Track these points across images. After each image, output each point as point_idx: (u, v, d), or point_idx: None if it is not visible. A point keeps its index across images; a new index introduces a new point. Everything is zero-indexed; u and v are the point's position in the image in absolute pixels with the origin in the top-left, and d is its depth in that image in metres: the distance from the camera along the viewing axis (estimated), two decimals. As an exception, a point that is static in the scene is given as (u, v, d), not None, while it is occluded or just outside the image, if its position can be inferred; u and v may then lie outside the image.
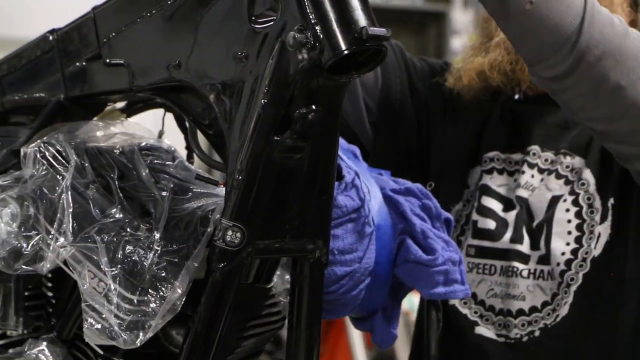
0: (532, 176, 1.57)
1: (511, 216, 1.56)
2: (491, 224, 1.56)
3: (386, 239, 1.26)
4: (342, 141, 1.26)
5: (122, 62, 1.24)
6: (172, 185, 1.19)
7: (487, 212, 1.57)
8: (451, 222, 1.33)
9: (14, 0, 4.06)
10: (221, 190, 1.21)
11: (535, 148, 1.57)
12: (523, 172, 1.57)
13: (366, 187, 1.26)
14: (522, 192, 1.56)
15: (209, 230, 1.14)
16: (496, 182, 1.58)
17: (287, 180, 1.09)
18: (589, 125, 1.34)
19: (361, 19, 1.04)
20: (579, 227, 1.53)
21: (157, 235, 1.13)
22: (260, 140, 1.07)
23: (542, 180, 1.56)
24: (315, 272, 1.15)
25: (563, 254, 1.52)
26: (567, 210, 1.53)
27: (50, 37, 1.33)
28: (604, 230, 1.51)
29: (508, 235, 1.55)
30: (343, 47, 1.02)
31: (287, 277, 1.24)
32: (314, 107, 1.06)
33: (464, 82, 1.56)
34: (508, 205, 1.57)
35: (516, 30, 1.24)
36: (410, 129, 1.64)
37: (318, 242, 1.14)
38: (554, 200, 1.54)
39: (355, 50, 1.03)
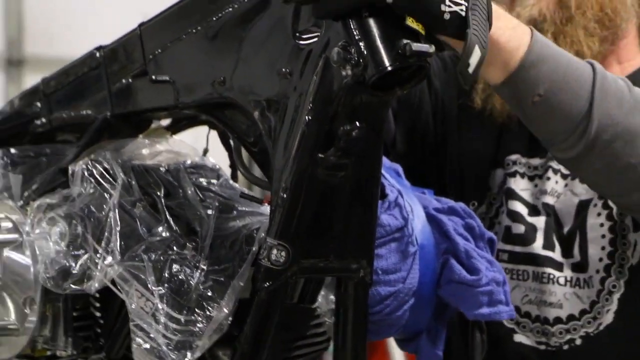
0: (557, 182, 1.56)
1: (540, 222, 1.55)
2: (521, 229, 1.56)
3: (430, 258, 1.25)
4: (385, 160, 1.25)
5: (167, 78, 1.25)
6: (217, 204, 1.19)
7: (516, 217, 1.57)
8: (494, 241, 1.32)
9: (56, 19, 4.11)
10: (266, 209, 1.21)
11: None
12: (548, 179, 1.56)
13: (409, 206, 1.25)
14: (548, 199, 1.56)
15: (254, 249, 1.14)
16: (520, 185, 1.58)
17: (331, 198, 1.09)
18: (606, 196, 1.40)
19: (405, 35, 1.04)
20: (612, 229, 1.52)
21: (203, 254, 1.14)
22: (305, 157, 1.07)
23: (566, 185, 1.55)
24: (359, 292, 1.15)
25: (600, 259, 1.52)
26: (599, 214, 1.53)
27: (97, 54, 1.34)
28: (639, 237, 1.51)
29: (540, 241, 1.55)
30: (387, 63, 1.02)
31: (332, 297, 1.24)
32: (357, 123, 1.06)
33: (495, 106, 1.56)
34: (533, 210, 1.57)
35: (528, 118, 1.26)
36: (427, 125, 1.64)
37: (362, 261, 1.13)
38: (583, 206, 1.54)
39: (399, 67, 1.03)
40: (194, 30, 1.22)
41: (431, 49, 1.04)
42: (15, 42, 4.06)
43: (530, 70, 1.20)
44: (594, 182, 1.34)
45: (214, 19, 1.19)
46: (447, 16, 1.02)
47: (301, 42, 1.09)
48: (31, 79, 1.45)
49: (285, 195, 1.07)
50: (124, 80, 1.30)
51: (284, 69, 1.11)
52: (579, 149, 1.24)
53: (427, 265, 1.25)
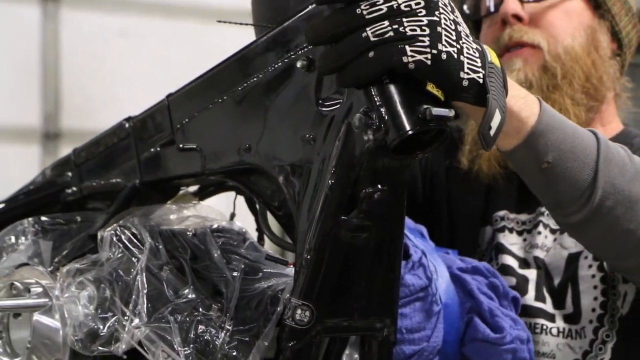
0: (546, 237, 1.57)
1: (531, 274, 1.57)
2: (512, 281, 1.57)
3: (454, 317, 1.26)
4: (408, 221, 1.27)
5: (194, 146, 1.28)
6: (243, 266, 1.21)
7: (507, 270, 1.57)
8: (518, 300, 1.33)
9: (92, 95, 4.18)
10: (291, 270, 1.22)
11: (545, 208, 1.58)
12: (539, 233, 1.58)
13: (433, 265, 1.26)
14: (538, 253, 1.57)
15: (278, 309, 1.15)
16: (509, 240, 1.60)
17: (355, 259, 1.10)
18: (603, 259, 1.43)
19: (425, 100, 1.06)
20: (603, 280, 1.53)
21: (229, 315, 1.15)
22: (328, 220, 1.08)
23: (555, 239, 1.56)
24: (383, 351, 1.15)
25: (593, 310, 1.52)
26: (590, 266, 1.54)
27: (127, 125, 1.37)
28: (629, 288, 1.51)
29: (532, 293, 1.56)
30: (407, 127, 1.03)
31: (356, 356, 1.25)
32: (379, 186, 1.08)
33: (482, 167, 1.57)
34: (524, 263, 1.58)
35: (535, 184, 1.30)
36: (416, 186, 1.66)
37: (386, 320, 1.14)
38: (572, 258, 1.55)
39: (420, 131, 1.05)
40: (220, 100, 1.25)
41: (451, 113, 1.06)
42: (52, 116, 4.13)
43: (540, 139, 1.23)
44: (594, 246, 1.36)
45: (240, 88, 1.22)
46: (465, 83, 1.04)
47: (324, 108, 1.12)
48: (67, 152, 1.48)
49: (309, 257, 1.09)
50: (152, 149, 1.33)
51: (307, 135, 1.13)
52: (582, 215, 1.27)
53: (451, 324, 1.25)
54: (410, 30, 1.01)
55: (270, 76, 1.19)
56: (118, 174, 1.37)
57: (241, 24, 1.42)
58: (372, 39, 1.01)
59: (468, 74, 1.04)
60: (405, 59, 1.01)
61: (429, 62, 1.01)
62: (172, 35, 4.34)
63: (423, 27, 1.01)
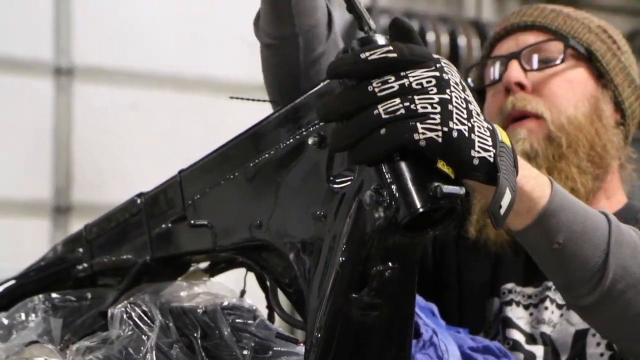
0: (552, 312, 1.56)
1: (539, 350, 1.56)
2: (520, 357, 1.56)
3: (465, 396, 1.25)
4: (419, 298, 1.27)
5: (206, 223, 1.28)
6: (253, 344, 1.20)
7: (515, 346, 1.56)
8: (528, 379, 1.33)
9: (103, 169, 4.20)
10: (301, 349, 1.22)
11: (552, 283, 1.57)
12: (546, 308, 1.57)
13: (444, 345, 1.26)
14: (545, 329, 1.56)
15: (289, 387, 1.15)
16: (516, 314, 1.59)
17: (365, 337, 1.10)
18: (612, 342, 1.42)
19: (436, 178, 1.06)
20: (612, 358, 1.51)
21: (238, 393, 1.14)
22: (339, 297, 1.08)
23: (562, 315, 1.55)
24: None
25: None
26: (598, 344, 1.52)
27: (138, 201, 1.37)
28: None
29: None
30: (418, 205, 1.03)
31: None
32: (390, 264, 1.08)
33: (489, 236, 1.57)
34: (531, 339, 1.57)
35: (545, 264, 1.29)
36: (425, 257, 1.65)
37: None
38: (579, 335, 1.54)
39: (430, 209, 1.05)
40: (231, 176, 1.25)
41: (462, 190, 1.06)
42: (63, 189, 4.14)
43: (551, 219, 1.22)
44: (605, 329, 1.35)
45: (252, 164, 1.22)
46: (476, 161, 1.04)
47: (335, 185, 1.12)
48: (78, 226, 1.48)
49: (319, 335, 1.08)
50: (163, 225, 1.33)
51: (318, 212, 1.13)
52: (593, 297, 1.26)
53: (462, 402, 1.25)
54: (422, 107, 1.01)
55: (282, 153, 1.19)
56: (129, 250, 1.38)
57: (253, 100, 1.44)
58: (383, 116, 1.02)
59: (479, 152, 1.04)
60: (416, 136, 1.01)
61: (440, 140, 1.02)
62: (183, 109, 4.37)
63: (434, 105, 1.02)
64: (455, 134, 1.02)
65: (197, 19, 4.41)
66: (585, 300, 1.26)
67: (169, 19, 4.36)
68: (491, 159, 1.05)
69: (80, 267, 1.43)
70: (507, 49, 1.67)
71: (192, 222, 1.29)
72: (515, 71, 1.62)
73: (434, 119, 1.01)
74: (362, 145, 1.04)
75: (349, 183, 1.10)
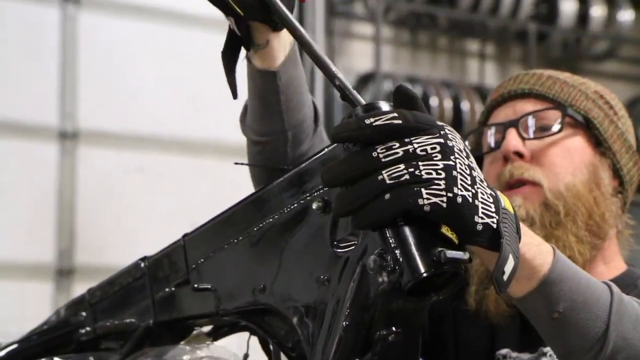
0: None
1: None
2: None
3: None
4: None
5: (209, 287, 1.28)
6: (255, 408, 1.20)
7: None
8: None
9: (106, 231, 4.20)
10: (304, 413, 1.21)
11: (548, 349, 1.56)
12: None
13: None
14: None
15: None
16: None
17: (370, 402, 1.09)
18: None
19: (439, 243, 1.06)
20: None
21: None
22: (342, 362, 1.08)
23: None
24: None
25: None
26: None
27: (142, 264, 1.38)
28: None
29: None
30: (422, 270, 1.04)
31: None
32: (394, 328, 1.08)
33: (489, 307, 1.56)
34: None
35: (545, 333, 1.27)
36: (423, 326, 1.64)
37: None
38: None
39: (434, 274, 1.05)
40: (235, 240, 1.25)
41: (465, 256, 1.06)
42: (66, 252, 4.14)
43: (553, 288, 1.22)
44: None
45: (256, 229, 1.23)
46: (479, 227, 1.05)
47: (339, 250, 1.12)
48: (80, 288, 1.48)
49: (323, 401, 1.08)
50: (167, 289, 1.33)
51: (322, 276, 1.13)
52: None
53: None
54: (426, 173, 1.02)
55: (286, 217, 1.20)
56: (132, 314, 1.38)
57: (257, 165, 1.45)
58: (388, 181, 1.02)
59: (482, 218, 1.05)
60: (421, 202, 1.02)
61: (444, 205, 1.02)
62: (188, 172, 4.38)
63: (439, 171, 1.02)
64: (459, 199, 1.03)
65: (200, 82, 4.44)
66: None
67: (173, 82, 4.40)
68: (494, 225, 1.05)
69: (83, 331, 1.43)
70: (505, 117, 1.67)
71: (195, 286, 1.29)
72: (513, 140, 1.62)
73: (438, 184, 1.02)
74: (366, 211, 1.04)
75: (352, 247, 1.11)
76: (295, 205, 1.18)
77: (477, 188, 1.04)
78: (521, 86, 1.69)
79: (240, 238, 1.25)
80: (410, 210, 1.03)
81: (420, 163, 1.02)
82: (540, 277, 1.21)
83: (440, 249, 1.05)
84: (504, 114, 1.68)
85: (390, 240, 1.06)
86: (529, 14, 5.66)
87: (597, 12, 5.86)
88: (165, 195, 4.32)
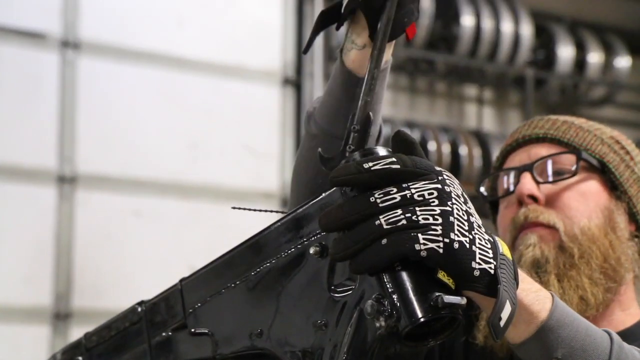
0: None
1: None
2: None
3: None
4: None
5: (206, 331, 1.28)
6: None
7: None
8: None
9: (104, 275, 4.20)
10: None
11: None
12: None
13: None
14: None
15: None
16: None
17: None
18: None
19: (436, 288, 1.06)
20: None
21: None
22: (340, 408, 1.08)
23: None
24: None
25: None
26: None
27: (139, 309, 1.37)
28: None
29: None
30: (419, 315, 1.04)
31: None
32: None
33: (496, 345, 1.56)
34: None
35: None
36: (432, 356, 1.63)
37: None
38: None
39: (431, 318, 1.05)
40: (233, 285, 1.25)
41: (463, 301, 1.06)
42: (63, 296, 4.14)
43: (550, 334, 1.21)
44: None
45: (253, 273, 1.23)
46: (476, 273, 1.05)
47: (336, 295, 1.12)
48: (77, 332, 1.48)
49: None
50: (164, 334, 1.33)
51: (319, 321, 1.13)
52: None
53: None
54: (423, 219, 1.02)
55: (283, 262, 1.20)
56: (129, 359, 1.37)
57: (255, 210, 1.45)
58: (385, 226, 1.03)
59: (480, 264, 1.05)
60: (417, 247, 1.02)
61: (441, 251, 1.02)
62: (186, 216, 4.39)
63: (436, 217, 1.03)
64: (456, 245, 1.03)
65: (199, 127, 4.46)
66: None
67: (172, 127, 4.42)
68: (492, 271, 1.05)
69: (79, 376, 1.43)
70: (520, 161, 1.67)
71: (192, 330, 1.29)
72: (528, 184, 1.62)
73: (435, 229, 1.02)
74: (363, 255, 1.04)
75: (350, 292, 1.11)
76: (293, 249, 1.18)
77: (475, 234, 1.04)
78: (536, 131, 1.69)
79: (238, 282, 1.25)
80: (407, 255, 1.03)
81: (417, 208, 1.02)
82: (539, 323, 1.21)
83: (437, 294, 1.05)
84: (518, 158, 1.69)
85: (388, 285, 1.06)
86: (527, 60, 5.69)
87: (594, 58, 5.89)
88: (163, 239, 4.32)
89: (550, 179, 1.64)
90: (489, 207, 1.74)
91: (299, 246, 1.17)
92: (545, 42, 5.84)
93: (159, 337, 1.33)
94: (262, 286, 1.22)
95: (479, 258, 1.04)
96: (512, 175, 1.68)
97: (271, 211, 1.32)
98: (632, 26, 6.41)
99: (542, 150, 1.67)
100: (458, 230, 1.03)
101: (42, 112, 4.16)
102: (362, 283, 1.09)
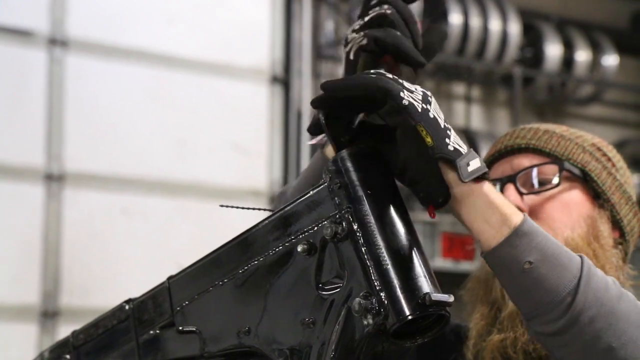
0: None
1: None
2: None
3: None
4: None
5: (194, 329, 1.28)
6: None
7: None
8: None
9: (92, 273, 4.19)
10: None
11: None
12: None
13: None
14: None
15: None
16: None
17: None
18: None
19: (424, 286, 1.07)
20: None
21: None
22: (327, 407, 1.08)
23: None
24: None
25: None
26: None
27: (127, 307, 1.37)
28: None
29: None
30: (407, 312, 1.04)
31: None
32: None
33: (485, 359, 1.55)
34: None
35: (514, 287, 1.26)
36: None
37: None
38: None
39: (419, 316, 1.05)
40: (220, 283, 1.25)
41: (450, 298, 1.07)
42: (51, 294, 4.12)
43: (523, 239, 1.22)
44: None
45: (241, 271, 1.23)
46: (450, 146, 1.18)
47: (324, 292, 1.12)
48: (65, 330, 1.47)
49: None
50: (151, 332, 1.33)
51: (307, 318, 1.13)
52: (560, 323, 1.23)
53: None
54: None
55: (271, 260, 1.20)
56: (116, 357, 1.37)
57: (243, 207, 1.45)
58: None
59: (453, 143, 1.18)
60: (402, 95, 1.17)
61: (419, 109, 1.18)
62: (173, 214, 4.38)
63: (420, 96, 1.20)
64: (431, 115, 1.18)
65: (186, 125, 4.46)
66: (552, 326, 1.24)
67: (159, 125, 4.41)
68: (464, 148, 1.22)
69: (66, 374, 1.42)
70: (503, 172, 1.67)
71: (180, 328, 1.29)
72: (512, 195, 1.62)
73: (418, 98, 1.19)
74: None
75: (338, 290, 1.11)
76: (281, 247, 1.18)
77: (449, 127, 1.20)
78: (518, 141, 1.69)
79: (225, 280, 1.25)
80: (392, 91, 1.16)
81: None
82: (512, 225, 1.22)
83: (425, 291, 1.05)
84: (501, 169, 1.69)
85: (375, 283, 1.06)
86: (515, 58, 5.69)
87: (582, 56, 5.90)
88: (150, 237, 4.31)
89: (534, 189, 1.64)
90: None
91: (286, 244, 1.18)
92: (533, 40, 5.85)
93: (146, 335, 1.33)
94: (249, 284, 1.22)
95: (452, 139, 1.16)
96: (496, 187, 1.68)
97: (259, 209, 1.32)
98: (620, 24, 6.42)
99: (524, 160, 1.67)
100: (434, 112, 1.16)
101: (30, 110, 4.15)
102: (350, 281, 1.09)
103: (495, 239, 1.22)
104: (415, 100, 1.16)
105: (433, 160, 1.17)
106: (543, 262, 1.23)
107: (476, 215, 1.21)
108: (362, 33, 1.36)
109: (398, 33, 1.34)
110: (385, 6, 1.36)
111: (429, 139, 1.15)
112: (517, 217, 1.23)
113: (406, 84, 1.18)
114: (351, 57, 1.38)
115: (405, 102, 1.15)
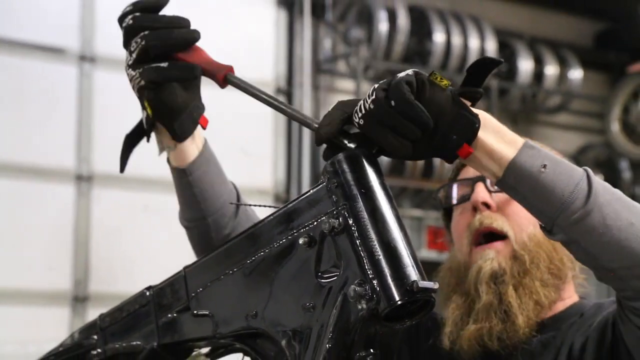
0: None
1: None
2: None
3: None
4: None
5: (207, 313, 1.28)
6: None
7: None
8: None
9: (118, 263, 4.19)
10: None
11: None
12: None
13: None
14: None
15: None
16: None
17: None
18: (609, 280, 1.31)
19: (412, 274, 1.06)
20: None
21: None
22: (326, 380, 1.07)
23: None
24: None
25: None
26: None
27: (147, 293, 1.37)
28: None
29: None
30: (397, 298, 1.04)
31: None
32: (371, 350, 1.07)
33: (464, 348, 1.54)
34: None
35: (537, 191, 1.25)
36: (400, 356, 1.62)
37: None
38: None
39: (408, 301, 1.05)
40: (230, 272, 1.25)
41: (435, 285, 1.07)
42: (81, 282, 4.13)
43: (534, 149, 1.24)
44: (596, 254, 1.27)
45: (249, 261, 1.23)
46: None
47: (323, 280, 1.12)
48: (94, 313, 1.47)
49: (309, 415, 1.07)
50: (169, 315, 1.33)
51: (307, 304, 1.13)
52: (586, 209, 1.23)
53: None
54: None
55: (275, 251, 1.20)
56: (138, 337, 1.36)
57: (250, 205, 1.45)
58: None
59: None
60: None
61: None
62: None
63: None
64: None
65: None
66: (580, 213, 1.22)
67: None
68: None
69: (94, 352, 1.42)
70: (474, 172, 1.67)
71: (195, 312, 1.29)
72: (482, 192, 1.62)
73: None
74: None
75: (335, 278, 1.11)
76: (284, 240, 1.18)
77: None
78: None
79: (235, 269, 1.25)
80: None
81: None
82: (519, 143, 1.24)
83: (413, 279, 1.05)
84: (473, 170, 1.68)
85: (369, 272, 1.06)
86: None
87: (551, 70, 5.90)
88: (168, 231, 4.29)
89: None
90: (442, 214, 1.74)
91: (289, 237, 1.17)
92: (507, 56, 5.84)
93: (165, 318, 1.33)
94: (256, 273, 1.22)
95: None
96: (466, 185, 1.68)
97: (265, 206, 1.31)
98: (584, 42, 6.43)
99: None
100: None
101: (62, 118, 4.14)
102: (346, 270, 1.09)
103: (510, 155, 1.23)
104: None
105: (457, 98, 1.17)
106: (555, 165, 1.24)
107: (495, 135, 1.22)
108: (137, 73, 1.41)
109: (159, 34, 1.39)
110: (129, 17, 1.41)
111: (445, 82, 1.16)
112: (519, 137, 1.26)
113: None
114: (136, 94, 1.41)
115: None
